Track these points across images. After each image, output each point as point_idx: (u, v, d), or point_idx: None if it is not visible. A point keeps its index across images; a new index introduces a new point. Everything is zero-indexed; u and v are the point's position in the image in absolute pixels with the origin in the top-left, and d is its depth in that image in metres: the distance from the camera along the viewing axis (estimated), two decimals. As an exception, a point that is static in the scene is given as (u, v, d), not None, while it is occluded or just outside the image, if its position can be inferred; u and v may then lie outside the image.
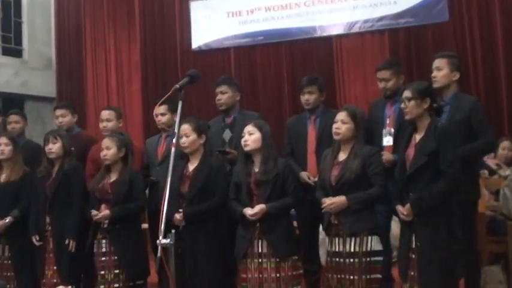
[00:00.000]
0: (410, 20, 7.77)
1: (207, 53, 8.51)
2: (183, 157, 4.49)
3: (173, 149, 3.05)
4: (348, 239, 3.93)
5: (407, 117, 3.87)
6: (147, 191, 5.06)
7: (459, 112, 4.30)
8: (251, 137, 4.24)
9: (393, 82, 4.78)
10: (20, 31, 9.36)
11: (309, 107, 4.91)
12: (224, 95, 5.07)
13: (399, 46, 7.84)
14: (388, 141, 4.70)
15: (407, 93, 3.85)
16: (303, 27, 8.20)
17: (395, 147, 4.55)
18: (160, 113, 5.14)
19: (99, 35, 9.19)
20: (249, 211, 4.13)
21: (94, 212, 4.57)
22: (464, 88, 5.04)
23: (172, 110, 5.05)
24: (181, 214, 4.29)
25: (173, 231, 2.87)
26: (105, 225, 4.59)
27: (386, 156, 4.44)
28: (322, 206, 4.00)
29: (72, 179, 4.85)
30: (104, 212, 4.55)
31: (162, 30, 8.83)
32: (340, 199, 3.92)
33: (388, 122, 4.76)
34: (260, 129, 4.25)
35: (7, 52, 9.15)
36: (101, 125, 5.43)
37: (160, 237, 2.84)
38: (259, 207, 4.11)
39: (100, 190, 4.64)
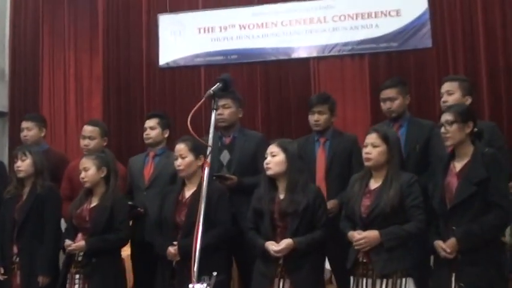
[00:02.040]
0: (393, 45, 7.41)
1: (175, 70, 7.92)
2: (172, 182, 4.02)
3: (207, 169, 2.48)
4: (378, 281, 3.41)
5: (448, 143, 3.46)
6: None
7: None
8: (274, 159, 3.69)
9: (399, 102, 4.44)
10: (-31, 39, 8.52)
11: (319, 128, 4.43)
12: (227, 110, 4.49)
13: (380, 70, 7.44)
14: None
15: (448, 116, 3.45)
16: (279, 48, 7.71)
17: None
18: (150, 126, 4.56)
19: (58, 45, 8.40)
20: (273, 246, 3.55)
21: (68, 241, 3.98)
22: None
23: (163, 125, 4.52)
24: (176, 247, 3.74)
25: (215, 273, 2.26)
26: (79, 258, 3.97)
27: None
28: (353, 241, 3.47)
29: (46, 203, 4.22)
30: (79, 242, 3.95)
31: (127, 43, 8.12)
32: (373, 234, 3.40)
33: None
34: (285, 150, 3.68)
35: (-47, 62, 8.29)
36: (82, 142, 4.77)
37: (194, 281, 2.25)
38: (285, 243, 3.54)
39: (77, 217, 4.05)
